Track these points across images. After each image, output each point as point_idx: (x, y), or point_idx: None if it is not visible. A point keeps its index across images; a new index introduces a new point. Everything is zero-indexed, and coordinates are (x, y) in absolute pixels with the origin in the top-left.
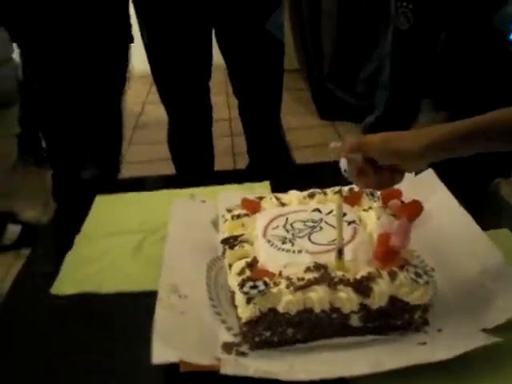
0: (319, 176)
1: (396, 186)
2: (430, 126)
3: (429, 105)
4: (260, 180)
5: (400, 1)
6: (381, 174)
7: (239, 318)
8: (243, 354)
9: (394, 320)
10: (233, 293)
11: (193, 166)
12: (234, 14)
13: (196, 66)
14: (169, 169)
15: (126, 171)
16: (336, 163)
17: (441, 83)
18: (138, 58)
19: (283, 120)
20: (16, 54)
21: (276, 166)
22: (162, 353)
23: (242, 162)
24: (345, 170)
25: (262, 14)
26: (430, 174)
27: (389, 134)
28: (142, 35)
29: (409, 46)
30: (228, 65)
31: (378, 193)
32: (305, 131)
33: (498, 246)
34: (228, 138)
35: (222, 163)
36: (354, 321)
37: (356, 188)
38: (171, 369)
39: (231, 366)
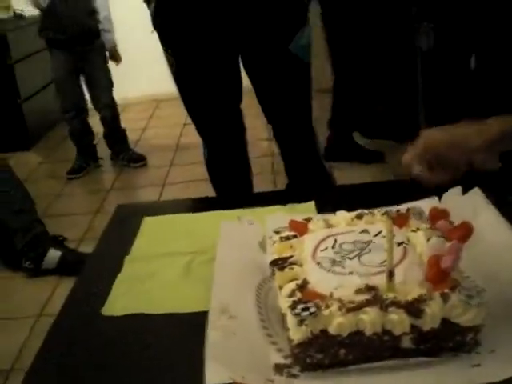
0: (365, 196)
1: (443, 207)
2: None
3: None
4: (301, 200)
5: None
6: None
7: (291, 340)
8: (294, 376)
9: (446, 342)
10: (284, 315)
11: (231, 187)
12: (258, 37)
13: (225, 92)
14: (208, 188)
15: (169, 192)
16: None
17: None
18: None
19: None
20: None
21: (316, 186)
22: (215, 374)
23: (283, 181)
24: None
25: (285, 36)
26: (476, 193)
27: (449, 129)
28: (169, 63)
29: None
30: (255, 88)
31: (426, 213)
32: None
33: None
34: (268, 157)
35: (262, 182)
36: (406, 343)
37: (402, 209)
38: None
39: None
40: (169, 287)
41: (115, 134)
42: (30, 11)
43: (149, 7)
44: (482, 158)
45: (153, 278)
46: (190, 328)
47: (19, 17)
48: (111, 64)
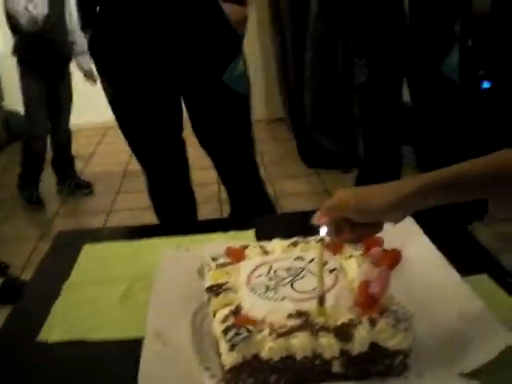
0: (304, 224)
1: (377, 234)
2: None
3: (410, 151)
4: (244, 228)
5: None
6: (359, 229)
7: (223, 365)
8: None
9: (375, 366)
10: (217, 340)
11: (175, 216)
12: (192, 68)
13: (165, 121)
14: (154, 216)
15: (114, 219)
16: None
17: (416, 130)
18: None
19: (269, 169)
20: None
21: (258, 215)
22: None
23: (229, 209)
24: (325, 235)
25: (219, 68)
26: (409, 221)
27: (360, 191)
28: (105, 92)
29: (367, 98)
30: (191, 120)
31: None
32: (290, 180)
33: (477, 291)
34: (214, 185)
35: (208, 210)
36: (336, 367)
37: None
38: None
39: None
40: (105, 314)
41: (65, 160)
42: None
43: (85, 36)
44: (391, 217)
45: (90, 304)
46: (124, 355)
47: None
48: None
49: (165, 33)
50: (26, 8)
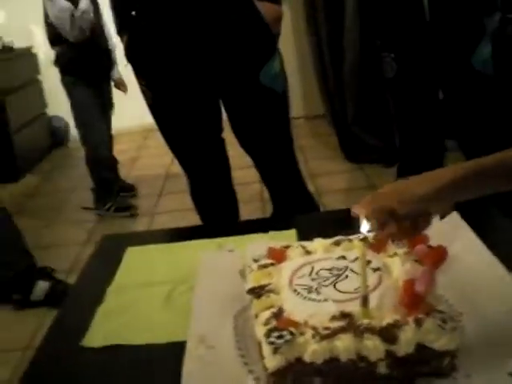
0: (346, 222)
1: None
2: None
3: (454, 145)
4: (286, 228)
5: (383, 51)
6: (404, 224)
7: (266, 369)
8: None
9: (422, 367)
10: (260, 343)
11: (217, 216)
12: (229, 69)
13: (204, 123)
14: (197, 217)
15: (158, 221)
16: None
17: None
18: None
19: (311, 165)
20: None
21: (301, 213)
22: None
23: (271, 208)
24: (367, 231)
25: (256, 68)
26: (455, 217)
27: (402, 181)
28: (144, 96)
29: (399, 93)
30: (230, 121)
31: None
32: (333, 176)
33: None
34: (256, 184)
35: (250, 209)
36: (382, 368)
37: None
38: None
39: None
40: (149, 317)
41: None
42: (20, 43)
43: (122, 40)
44: (435, 207)
45: (133, 308)
46: (168, 358)
47: (9, 49)
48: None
49: (201, 34)
50: (73, 16)
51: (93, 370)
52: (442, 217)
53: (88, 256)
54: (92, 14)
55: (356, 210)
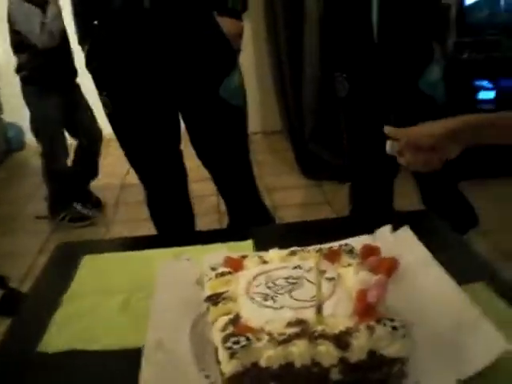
0: (302, 235)
1: (374, 244)
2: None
3: None
4: (243, 239)
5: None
6: (420, 155)
7: (222, 373)
8: None
9: (373, 373)
10: (216, 349)
11: (174, 227)
12: (188, 82)
13: (162, 134)
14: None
15: (115, 230)
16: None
17: None
18: None
19: (267, 181)
20: None
21: (256, 225)
22: None
23: (228, 220)
24: (390, 150)
25: (215, 82)
26: (406, 232)
27: (420, 125)
28: (103, 105)
29: (350, 111)
30: (188, 132)
31: (358, 249)
32: (289, 191)
33: (475, 299)
34: (213, 196)
35: (207, 221)
36: (334, 374)
37: (335, 246)
38: None
39: None
40: (106, 324)
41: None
42: None
43: (83, 49)
44: (447, 146)
45: (90, 315)
46: (125, 364)
47: None
48: None
49: (162, 47)
50: (43, 24)
51: (49, 375)
52: (395, 229)
53: (42, 265)
54: (62, 20)
55: (387, 130)
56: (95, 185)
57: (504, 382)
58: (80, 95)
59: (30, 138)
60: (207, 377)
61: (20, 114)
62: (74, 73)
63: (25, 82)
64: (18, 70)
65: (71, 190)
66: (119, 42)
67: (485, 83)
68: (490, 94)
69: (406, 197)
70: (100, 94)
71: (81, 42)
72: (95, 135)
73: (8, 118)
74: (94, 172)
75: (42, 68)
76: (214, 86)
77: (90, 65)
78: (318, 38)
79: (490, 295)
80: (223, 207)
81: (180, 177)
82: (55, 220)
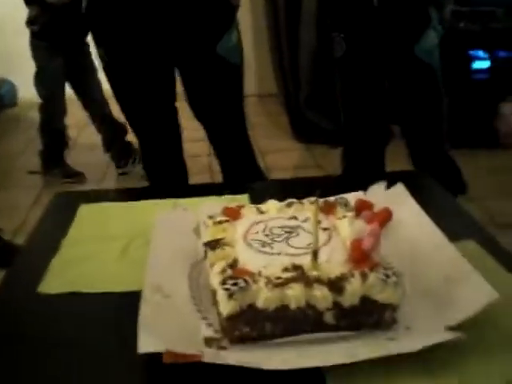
0: (296, 190)
1: (368, 199)
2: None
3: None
4: (235, 192)
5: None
6: None
7: (220, 314)
8: (224, 348)
9: (366, 318)
10: (214, 291)
11: (167, 182)
12: (186, 38)
13: (159, 89)
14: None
15: (108, 186)
16: None
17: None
18: None
19: (260, 143)
20: None
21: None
22: (147, 343)
23: (220, 180)
24: None
25: (213, 39)
26: (400, 189)
27: None
28: (100, 58)
29: (346, 72)
30: (185, 89)
31: (352, 204)
32: (281, 154)
33: (464, 255)
34: (206, 157)
35: (199, 181)
36: (328, 318)
37: (330, 199)
38: (155, 363)
39: (213, 356)
40: (105, 268)
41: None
42: None
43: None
44: None
45: (89, 259)
46: (125, 305)
47: None
48: None
49: (160, 2)
50: None
51: (48, 316)
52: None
53: (36, 218)
54: None
55: None
56: (89, 144)
57: (491, 329)
58: (88, 57)
59: (22, 94)
60: (204, 318)
61: (13, 71)
62: (85, 33)
63: (35, 37)
64: (29, 23)
65: (64, 146)
66: None
67: (480, 53)
68: (485, 64)
69: (398, 162)
70: (98, 47)
71: None
72: (103, 97)
73: (1, 74)
74: (123, 129)
75: (53, 24)
76: (212, 42)
77: (87, 18)
78: (314, 3)
79: (479, 252)
80: (216, 167)
81: (174, 133)
82: (48, 175)
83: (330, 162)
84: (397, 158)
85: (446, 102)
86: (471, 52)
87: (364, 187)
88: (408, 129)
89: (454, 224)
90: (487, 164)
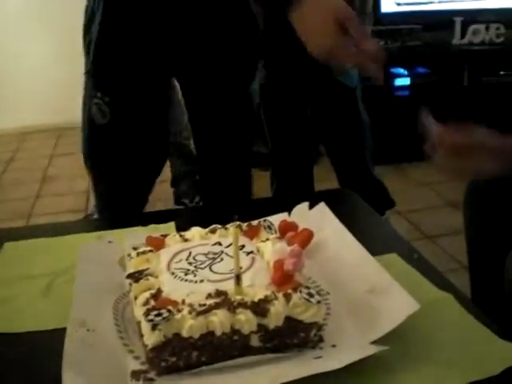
0: (221, 214)
1: (291, 220)
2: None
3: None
4: (161, 221)
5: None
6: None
7: (145, 346)
8: (151, 380)
9: (291, 339)
10: (139, 323)
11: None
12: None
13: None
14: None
15: (36, 222)
16: None
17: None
18: (43, 112)
19: None
20: None
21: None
22: (72, 381)
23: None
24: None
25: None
26: (322, 208)
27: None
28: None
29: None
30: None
31: (276, 226)
32: None
33: (387, 268)
34: None
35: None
36: (254, 341)
37: (254, 223)
38: None
39: None
40: (28, 308)
41: None
42: None
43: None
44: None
45: (12, 300)
46: (52, 344)
47: None
48: None
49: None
50: None
51: None
52: (311, 207)
53: None
54: None
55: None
56: (16, 178)
57: (415, 340)
58: None
59: None
60: (131, 351)
61: None
62: None
63: None
64: None
65: None
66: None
67: (400, 70)
68: (406, 81)
69: (326, 182)
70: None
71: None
72: None
73: None
74: None
75: None
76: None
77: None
78: None
79: (401, 264)
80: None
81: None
82: None
83: (259, 184)
84: (325, 176)
85: (368, 123)
86: (392, 70)
87: (290, 208)
88: (331, 149)
89: (377, 239)
90: (414, 177)
